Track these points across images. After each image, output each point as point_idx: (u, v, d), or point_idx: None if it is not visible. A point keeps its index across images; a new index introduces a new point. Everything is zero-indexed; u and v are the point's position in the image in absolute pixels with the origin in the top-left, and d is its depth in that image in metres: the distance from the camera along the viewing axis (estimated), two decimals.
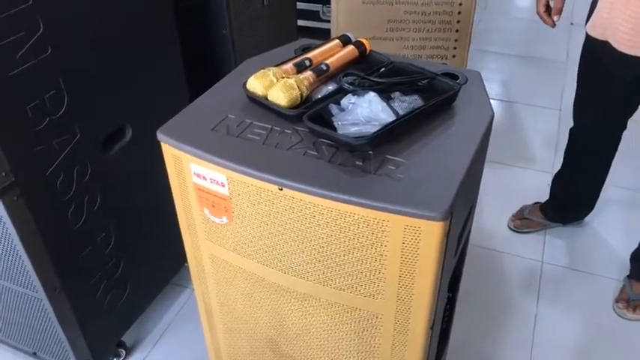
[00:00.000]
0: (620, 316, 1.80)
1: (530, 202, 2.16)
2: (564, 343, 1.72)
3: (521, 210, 2.15)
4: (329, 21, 2.93)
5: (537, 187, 2.27)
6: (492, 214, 2.16)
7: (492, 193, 2.22)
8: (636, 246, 1.85)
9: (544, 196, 2.11)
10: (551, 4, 1.65)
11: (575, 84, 1.82)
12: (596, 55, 1.65)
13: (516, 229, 2.12)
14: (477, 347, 1.71)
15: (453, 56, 2.35)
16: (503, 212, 2.17)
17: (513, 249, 2.03)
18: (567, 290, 1.90)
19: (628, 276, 1.87)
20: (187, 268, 1.88)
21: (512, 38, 3.52)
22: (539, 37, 3.41)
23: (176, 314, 1.83)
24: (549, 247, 2.04)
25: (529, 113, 2.78)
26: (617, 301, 1.82)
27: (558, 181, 2.04)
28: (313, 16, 3.14)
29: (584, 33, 1.66)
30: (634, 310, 1.78)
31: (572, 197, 2.04)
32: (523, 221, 2.12)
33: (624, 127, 1.79)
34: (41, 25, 1.10)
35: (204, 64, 1.77)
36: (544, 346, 1.71)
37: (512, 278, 1.94)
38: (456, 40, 2.31)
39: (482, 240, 2.04)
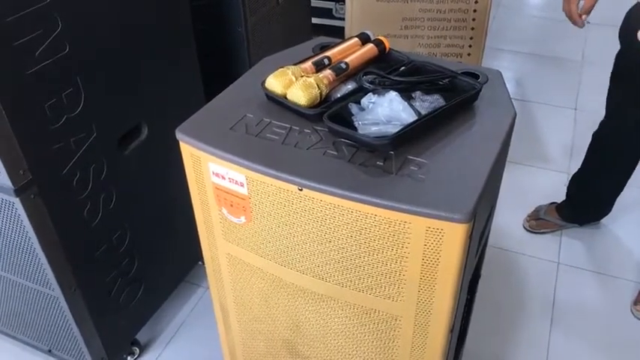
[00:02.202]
0: (637, 318, 1.77)
1: (545, 202, 2.14)
2: (580, 346, 1.70)
3: (537, 210, 2.12)
4: (342, 18, 2.93)
5: (553, 187, 2.24)
6: (507, 214, 2.13)
7: (507, 193, 2.18)
8: None
9: (559, 196, 2.09)
10: (581, 3, 1.61)
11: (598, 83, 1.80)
12: None
13: (531, 230, 2.09)
14: (493, 348, 1.70)
15: (468, 54, 2.33)
16: (518, 212, 2.15)
17: (529, 250, 2.01)
18: (584, 292, 1.87)
19: None
20: (201, 267, 1.91)
21: (527, 36, 3.49)
22: (554, 36, 3.38)
23: (189, 313, 1.82)
24: (565, 248, 2.02)
25: (544, 112, 2.74)
26: (635, 303, 1.80)
27: (577, 181, 2.00)
28: (326, 13, 3.12)
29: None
30: None
31: (591, 198, 2.01)
32: (538, 222, 2.10)
33: None
34: (60, 23, 1.10)
35: (219, 61, 1.76)
36: (560, 349, 1.69)
37: (527, 279, 1.92)
38: (471, 39, 2.28)
39: (497, 240, 2.02)
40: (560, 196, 2.08)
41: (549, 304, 1.83)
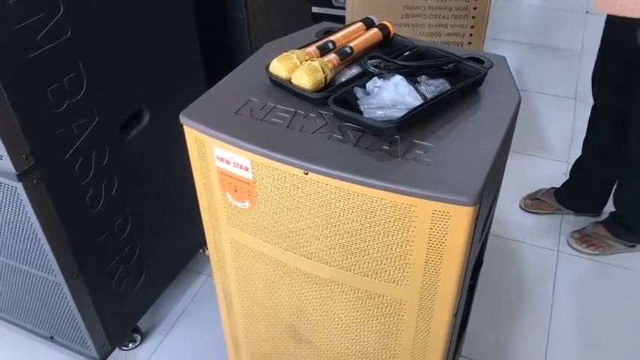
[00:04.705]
0: (571, 246, 1.88)
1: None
2: (581, 332, 1.71)
3: (536, 192, 2.16)
4: (342, 7, 2.91)
5: (552, 176, 2.25)
6: (507, 203, 2.14)
7: (507, 182, 2.17)
8: None
9: (559, 184, 2.10)
10: None
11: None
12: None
13: (525, 208, 2.12)
14: (494, 334, 1.71)
15: (469, 43, 2.32)
16: (519, 202, 2.15)
17: (529, 238, 2.02)
18: (584, 279, 1.88)
19: None
20: (202, 255, 1.91)
21: (526, 26, 3.48)
22: (554, 26, 3.37)
23: (191, 300, 1.83)
24: (565, 236, 2.02)
25: (544, 102, 2.75)
26: (572, 236, 1.89)
27: (575, 166, 2.04)
28: (326, 2, 3.11)
29: (600, 22, 1.65)
30: None
31: (586, 182, 2.03)
32: (534, 201, 2.12)
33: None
34: (61, 7, 1.09)
35: (220, 48, 1.75)
36: (560, 335, 1.70)
37: (528, 267, 1.92)
38: (472, 27, 2.28)
39: (497, 229, 2.02)
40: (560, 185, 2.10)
41: (549, 291, 1.84)
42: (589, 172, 2.00)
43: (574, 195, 2.07)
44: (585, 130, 1.98)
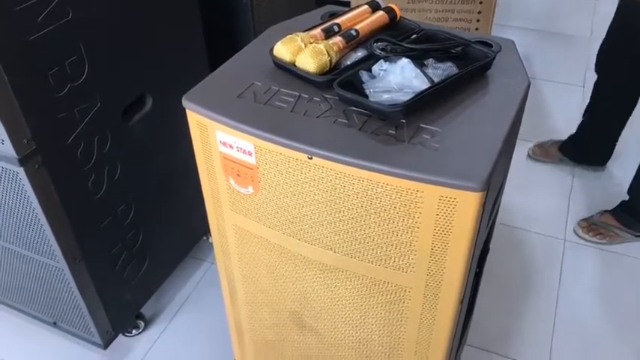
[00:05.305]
0: (577, 234, 1.92)
1: (553, 181, 2.15)
2: (586, 320, 1.70)
3: (546, 142, 2.28)
4: None
5: (561, 165, 2.23)
6: (514, 191, 2.11)
7: (513, 170, 2.17)
8: None
9: (567, 175, 2.08)
10: None
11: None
12: None
13: (533, 156, 2.26)
14: (500, 322, 1.70)
15: (476, 29, 2.29)
16: (525, 191, 2.13)
17: (535, 226, 2.00)
18: (590, 268, 1.87)
19: None
20: (205, 242, 1.90)
21: (534, 12, 3.43)
22: (562, 12, 3.32)
23: (194, 287, 1.82)
24: (572, 225, 2.00)
25: (552, 90, 2.71)
26: (580, 225, 1.93)
27: (582, 120, 2.13)
28: None
29: (610, 7, 1.67)
30: None
31: (590, 136, 2.12)
32: (541, 150, 2.25)
33: None
34: None
35: (224, 32, 1.73)
36: (566, 323, 1.69)
37: (534, 255, 1.91)
38: (479, 13, 2.24)
39: (503, 217, 2.01)
40: (566, 176, 2.08)
41: (556, 279, 1.82)
42: (595, 124, 2.08)
43: (578, 146, 2.17)
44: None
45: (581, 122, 2.15)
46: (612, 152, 2.15)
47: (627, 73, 1.87)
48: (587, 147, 2.18)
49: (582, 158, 2.21)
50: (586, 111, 2.13)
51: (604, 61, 1.96)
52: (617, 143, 2.12)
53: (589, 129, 2.12)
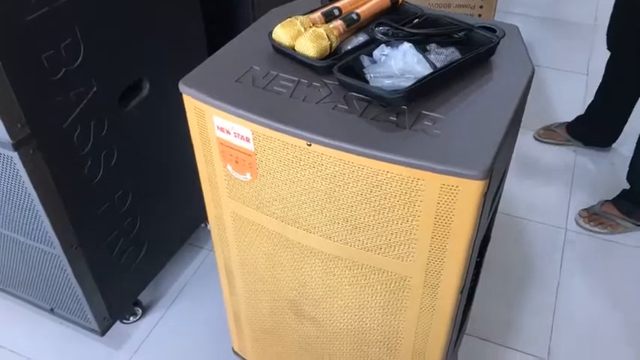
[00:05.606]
0: (578, 224, 1.92)
1: (555, 170, 2.12)
2: (587, 311, 1.69)
3: (551, 124, 2.29)
4: None
5: (562, 154, 2.21)
6: (515, 181, 2.10)
7: (515, 159, 2.16)
8: None
9: (569, 164, 2.07)
10: None
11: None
12: None
13: (538, 138, 2.27)
14: (499, 312, 1.69)
15: (479, 15, 2.26)
16: (527, 180, 2.11)
17: (536, 216, 1.99)
18: (591, 258, 1.85)
19: None
20: (204, 229, 1.89)
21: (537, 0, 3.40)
22: None
23: (192, 275, 1.81)
24: (573, 214, 1.99)
25: (555, 78, 2.68)
26: (581, 215, 1.93)
27: (592, 102, 2.13)
28: None
29: None
30: None
31: (598, 116, 2.12)
32: (547, 132, 2.27)
33: None
34: None
35: (222, 16, 1.70)
36: (566, 313, 1.68)
37: (535, 245, 1.90)
38: None
39: (504, 206, 1.99)
40: (570, 162, 2.06)
41: (556, 269, 1.81)
42: (605, 102, 2.08)
43: (585, 127, 2.18)
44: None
45: (592, 101, 2.14)
46: (620, 133, 2.14)
47: (634, 49, 1.85)
48: (596, 126, 2.17)
49: (590, 138, 2.21)
50: (597, 90, 2.11)
51: (612, 37, 1.95)
52: (624, 131, 2.11)
53: (599, 107, 2.11)
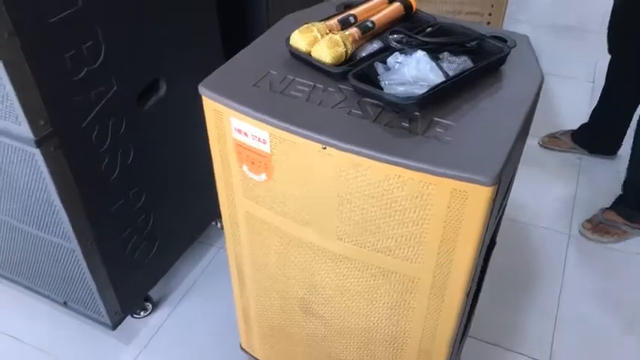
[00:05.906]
0: (582, 234, 1.92)
1: (559, 177, 2.15)
2: (590, 315, 1.71)
3: (556, 132, 2.31)
4: None
5: (567, 162, 2.23)
6: (520, 187, 2.11)
7: (521, 166, 2.18)
8: None
9: (574, 171, 2.09)
10: None
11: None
12: None
13: (543, 144, 2.29)
14: (502, 316, 1.71)
15: (488, 23, 2.28)
16: (532, 186, 2.14)
17: (541, 221, 2.01)
18: (594, 263, 1.88)
19: None
20: (214, 227, 1.92)
21: (543, 7, 3.42)
22: (572, 6, 3.30)
23: (202, 272, 1.84)
24: (577, 221, 2.01)
25: (561, 85, 2.71)
26: (584, 226, 1.93)
27: (595, 109, 2.15)
28: None
29: None
30: None
31: (602, 124, 2.14)
32: (552, 139, 2.28)
33: None
34: None
35: (237, 20, 1.73)
36: (568, 319, 1.71)
37: (539, 250, 1.92)
38: (492, 6, 2.23)
39: (509, 212, 2.01)
40: (575, 168, 2.08)
41: (559, 274, 1.83)
42: (606, 108, 2.10)
43: (590, 135, 2.19)
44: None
45: (595, 107, 2.16)
46: (623, 138, 2.15)
47: (634, 51, 1.88)
48: (599, 132, 2.18)
49: (594, 145, 2.22)
50: (600, 95, 2.13)
51: (612, 40, 1.97)
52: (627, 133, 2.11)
53: (601, 111, 2.13)
